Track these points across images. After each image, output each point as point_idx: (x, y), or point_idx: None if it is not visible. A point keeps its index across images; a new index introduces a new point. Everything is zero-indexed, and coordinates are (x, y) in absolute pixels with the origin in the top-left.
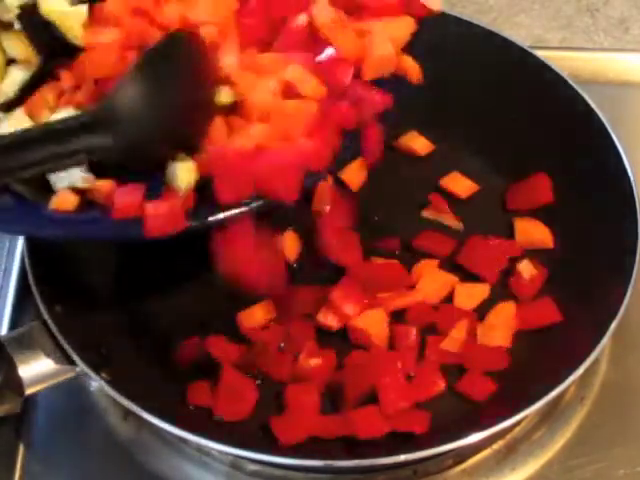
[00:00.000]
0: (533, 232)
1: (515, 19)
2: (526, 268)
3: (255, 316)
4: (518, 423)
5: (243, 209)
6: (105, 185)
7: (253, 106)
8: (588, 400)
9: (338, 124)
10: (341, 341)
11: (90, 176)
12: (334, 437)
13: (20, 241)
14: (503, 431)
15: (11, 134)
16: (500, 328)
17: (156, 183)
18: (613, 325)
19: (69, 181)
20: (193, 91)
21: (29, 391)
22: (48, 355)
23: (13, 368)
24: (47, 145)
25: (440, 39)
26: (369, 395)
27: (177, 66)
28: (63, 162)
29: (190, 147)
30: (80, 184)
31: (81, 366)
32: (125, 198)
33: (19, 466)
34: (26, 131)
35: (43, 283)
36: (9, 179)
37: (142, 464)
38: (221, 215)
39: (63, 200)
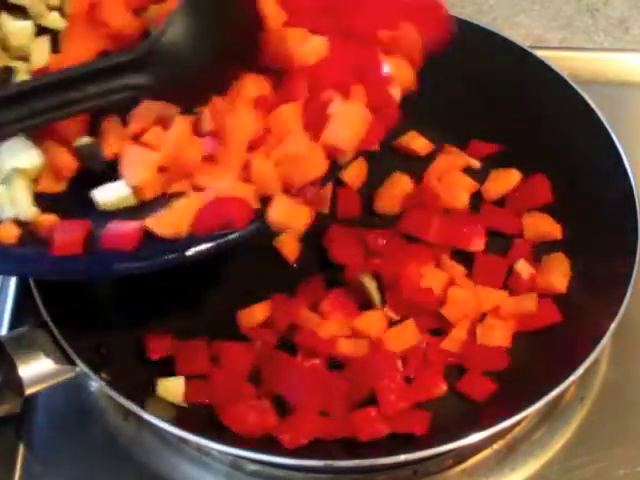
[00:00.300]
0: (541, 225)
1: (515, 19)
2: (524, 268)
3: (255, 315)
4: (518, 423)
5: (201, 247)
6: (48, 219)
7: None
8: (588, 400)
9: None
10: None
11: (35, 209)
12: (334, 438)
13: None
14: (503, 431)
15: (54, 72)
16: (500, 328)
17: (101, 220)
18: (613, 325)
19: (13, 212)
20: (235, 31)
21: (29, 391)
22: (48, 355)
23: (13, 368)
24: (87, 85)
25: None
26: (370, 396)
27: (221, 4)
28: (103, 100)
29: (225, 88)
30: (24, 216)
31: (81, 366)
32: (66, 235)
33: (19, 466)
34: (68, 70)
35: (43, 283)
36: (52, 117)
37: (142, 464)
38: (173, 255)
39: (4, 232)
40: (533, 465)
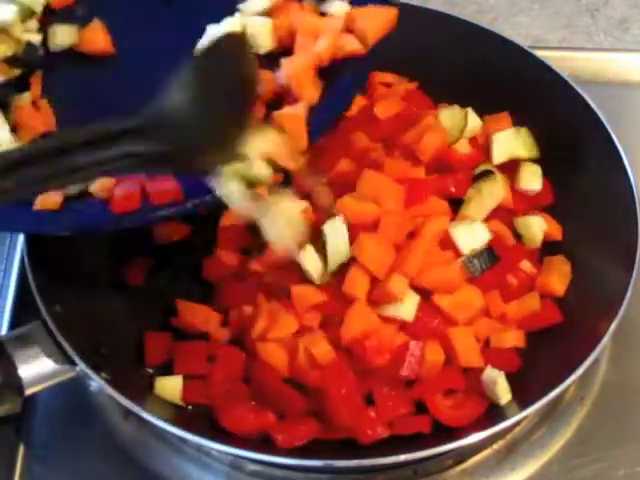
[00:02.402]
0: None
1: (515, 19)
2: (526, 266)
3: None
4: (518, 423)
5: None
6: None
7: None
8: (588, 400)
9: None
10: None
11: None
12: (334, 438)
13: (20, 242)
14: (503, 431)
15: (54, 137)
16: (511, 330)
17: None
18: (613, 325)
19: None
20: (238, 96)
21: (29, 391)
22: (48, 355)
23: (13, 368)
24: (89, 150)
25: (440, 39)
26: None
27: (226, 70)
28: (106, 167)
29: (230, 153)
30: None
31: (81, 366)
32: (124, 191)
33: (19, 466)
34: (66, 134)
35: (43, 283)
36: (52, 185)
37: (142, 464)
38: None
39: (47, 200)
40: (533, 465)
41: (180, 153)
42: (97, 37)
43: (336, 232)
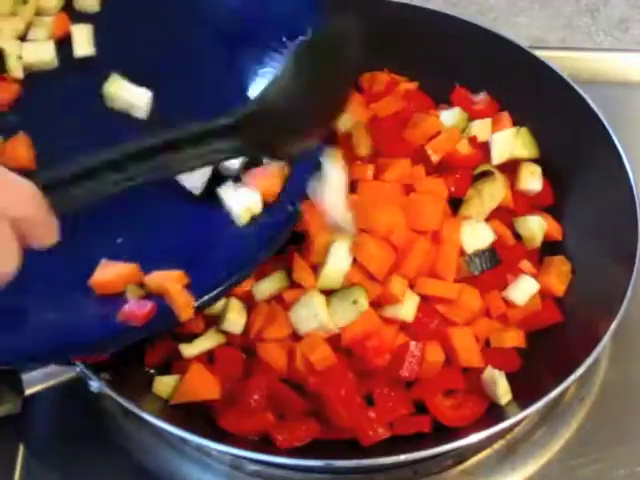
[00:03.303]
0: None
1: (515, 19)
2: (526, 266)
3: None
4: (518, 423)
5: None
6: None
7: None
8: (588, 400)
9: None
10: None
11: None
12: (335, 439)
13: None
14: (503, 431)
15: (151, 139)
16: (511, 330)
17: None
18: (613, 325)
19: None
20: (331, 91)
21: (29, 391)
22: None
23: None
24: (184, 149)
25: (440, 39)
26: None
27: (331, 55)
28: (198, 162)
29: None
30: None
31: (81, 366)
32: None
33: (19, 466)
34: (165, 134)
35: None
36: (154, 176)
37: (142, 464)
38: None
39: None
40: (533, 465)
41: (263, 146)
42: (20, 152)
43: (339, 257)
